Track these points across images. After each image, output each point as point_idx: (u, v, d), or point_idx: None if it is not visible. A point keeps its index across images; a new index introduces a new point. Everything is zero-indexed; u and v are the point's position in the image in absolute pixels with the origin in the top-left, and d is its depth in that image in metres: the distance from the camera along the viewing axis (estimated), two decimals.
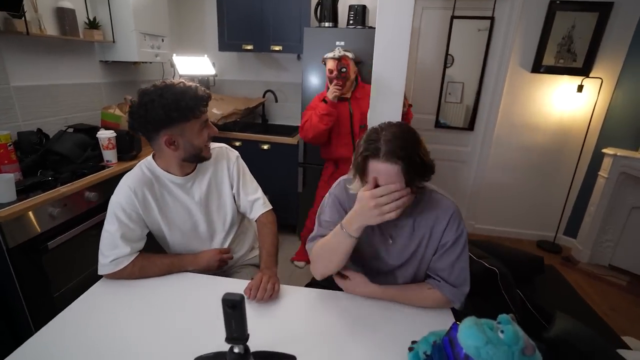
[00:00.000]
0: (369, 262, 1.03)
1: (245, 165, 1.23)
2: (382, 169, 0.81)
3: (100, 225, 1.65)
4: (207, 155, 1.08)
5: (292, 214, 2.67)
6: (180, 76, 2.16)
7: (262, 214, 1.20)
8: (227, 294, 0.64)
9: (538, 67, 2.61)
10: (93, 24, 2.02)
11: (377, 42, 1.84)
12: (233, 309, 0.63)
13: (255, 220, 1.21)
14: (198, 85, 1.01)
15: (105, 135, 1.69)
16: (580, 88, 2.53)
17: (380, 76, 1.88)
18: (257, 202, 1.20)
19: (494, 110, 2.80)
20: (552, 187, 2.90)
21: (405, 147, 0.80)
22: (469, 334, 0.67)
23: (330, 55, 2.00)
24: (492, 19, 2.61)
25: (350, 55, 2.01)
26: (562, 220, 2.92)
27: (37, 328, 1.33)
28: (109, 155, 1.73)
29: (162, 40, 2.36)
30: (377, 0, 1.83)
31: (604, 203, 2.58)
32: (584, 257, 2.73)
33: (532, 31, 2.56)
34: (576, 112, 2.66)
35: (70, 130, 1.84)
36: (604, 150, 2.54)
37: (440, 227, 0.95)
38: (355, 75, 2.07)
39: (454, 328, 0.74)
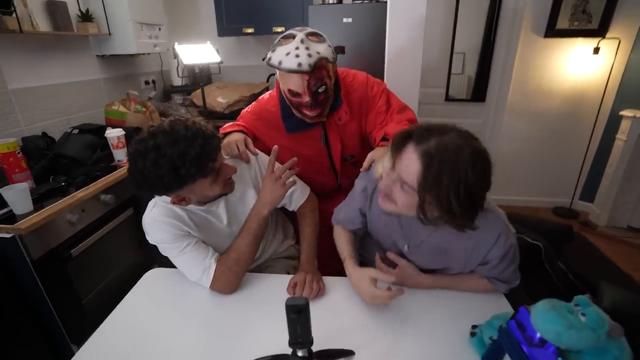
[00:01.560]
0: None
1: (264, 157, 1.11)
2: (405, 159, 0.71)
3: (119, 227, 1.63)
4: (227, 191, 0.95)
5: None
6: (185, 66, 2.06)
7: (302, 203, 1.13)
8: (290, 299, 0.59)
9: (552, 31, 2.50)
10: (86, 17, 1.90)
11: (390, 16, 1.75)
12: (299, 314, 0.59)
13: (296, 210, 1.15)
14: (204, 129, 0.82)
15: (114, 134, 1.62)
16: (596, 50, 2.44)
17: (396, 51, 1.80)
18: (294, 193, 1.11)
19: (506, 79, 2.71)
20: (567, 153, 2.85)
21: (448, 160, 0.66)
22: (548, 318, 0.63)
23: (289, 64, 0.92)
24: None
25: (329, 55, 0.96)
26: (577, 185, 2.89)
27: (72, 337, 1.32)
28: (120, 154, 1.66)
29: (159, 29, 2.24)
30: None
31: (623, 165, 2.53)
32: (602, 221, 2.71)
33: None
34: (592, 75, 2.57)
35: (76, 131, 1.76)
36: (622, 113, 2.47)
37: (482, 250, 0.83)
38: (335, 79, 1.07)
39: (521, 311, 0.71)
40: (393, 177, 0.74)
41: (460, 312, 0.86)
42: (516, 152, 2.91)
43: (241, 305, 0.92)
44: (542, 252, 1.18)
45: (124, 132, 1.66)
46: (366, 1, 2.14)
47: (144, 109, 2.01)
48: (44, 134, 1.66)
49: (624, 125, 2.49)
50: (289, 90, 0.99)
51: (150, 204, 0.97)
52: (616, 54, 2.44)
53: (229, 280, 0.94)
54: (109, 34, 2.00)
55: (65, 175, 1.50)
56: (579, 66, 2.57)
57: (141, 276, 1.05)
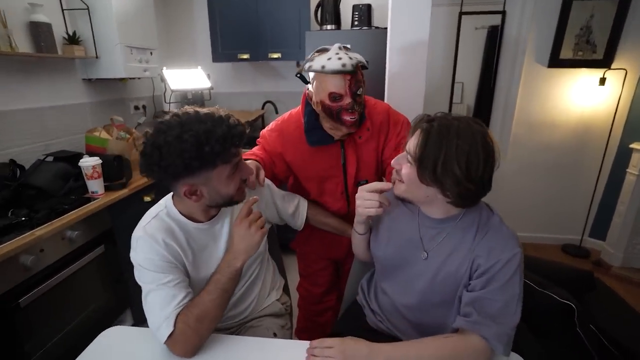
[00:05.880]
0: (398, 278, 0.92)
1: (271, 184, 1.11)
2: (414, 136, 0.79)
3: (85, 268, 1.45)
4: (239, 199, 0.88)
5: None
6: (173, 91, 1.95)
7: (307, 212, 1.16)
8: None
9: (555, 61, 2.44)
10: (73, 39, 1.81)
11: (390, 43, 1.66)
12: None
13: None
14: (231, 116, 0.80)
15: (88, 162, 1.48)
16: (602, 81, 2.36)
17: (396, 80, 1.70)
18: (300, 204, 1.15)
19: (509, 110, 2.62)
20: (575, 187, 2.71)
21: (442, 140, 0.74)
22: None
23: (333, 66, 0.96)
24: (503, 12, 2.45)
25: (364, 60, 1.04)
26: (587, 221, 2.73)
27: None
28: (95, 185, 1.52)
29: (151, 54, 2.16)
30: None
31: (636, 202, 2.39)
32: (615, 261, 2.53)
33: (547, 23, 2.39)
34: (598, 106, 2.49)
35: (50, 159, 1.63)
36: (633, 145, 2.36)
37: (491, 261, 0.77)
38: None
39: None
40: (403, 153, 0.82)
41: None
42: (521, 185, 2.77)
43: None
44: (574, 314, 1.01)
45: (100, 161, 1.52)
46: (365, 27, 2.08)
47: (128, 136, 1.89)
48: (12, 161, 1.52)
49: (635, 159, 2.37)
50: (331, 95, 1.01)
51: (151, 212, 0.86)
52: (623, 84, 2.36)
53: (189, 341, 0.77)
54: (97, 57, 1.91)
55: (29, 208, 1.34)
56: (585, 97, 2.49)
57: (109, 324, 0.89)
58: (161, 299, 0.78)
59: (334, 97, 1.00)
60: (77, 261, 1.36)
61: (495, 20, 2.59)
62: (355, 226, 0.98)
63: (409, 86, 1.70)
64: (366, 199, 0.86)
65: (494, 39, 2.60)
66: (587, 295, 1.49)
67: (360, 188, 0.89)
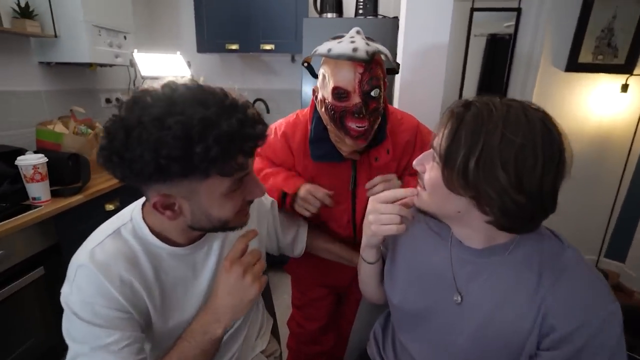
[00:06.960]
0: (423, 331, 0.67)
1: (275, 205, 0.87)
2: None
3: (14, 299, 1.08)
4: (238, 225, 0.62)
5: None
6: (144, 78, 1.66)
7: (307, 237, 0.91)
8: None
9: (574, 66, 2.24)
10: (25, 12, 1.52)
11: (405, 39, 1.43)
12: None
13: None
14: (250, 106, 0.55)
15: (28, 161, 1.17)
16: (624, 87, 2.17)
17: (410, 85, 1.46)
18: (299, 230, 0.90)
19: None
20: (592, 203, 2.50)
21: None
22: None
23: (341, 50, 0.73)
24: (518, 10, 2.25)
25: (389, 54, 0.79)
26: (604, 241, 2.52)
27: None
28: (37, 189, 1.21)
29: (125, 38, 1.87)
30: None
31: None
32: (637, 286, 2.32)
33: (566, 23, 2.19)
34: (618, 115, 2.29)
35: None
36: None
37: (573, 322, 0.53)
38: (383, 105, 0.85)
39: None
40: (429, 151, 0.60)
41: None
42: None
43: None
44: None
45: (44, 160, 1.22)
46: (370, 16, 1.84)
47: (90, 131, 1.58)
48: None
49: None
50: (335, 90, 0.76)
51: (107, 227, 0.60)
52: None
53: None
54: (56, 36, 1.61)
55: None
56: (605, 105, 2.29)
57: None
58: None
59: (339, 94, 0.75)
60: (3, 288, 1.04)
61: (496, 27, 2.41)
62: (363, 252, 0.73)
63: (425, 94, 1.46)
64: (382, 213, 0.64)
65: (494, 47, 2.43)
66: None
67: (372, 199, 0.66)
